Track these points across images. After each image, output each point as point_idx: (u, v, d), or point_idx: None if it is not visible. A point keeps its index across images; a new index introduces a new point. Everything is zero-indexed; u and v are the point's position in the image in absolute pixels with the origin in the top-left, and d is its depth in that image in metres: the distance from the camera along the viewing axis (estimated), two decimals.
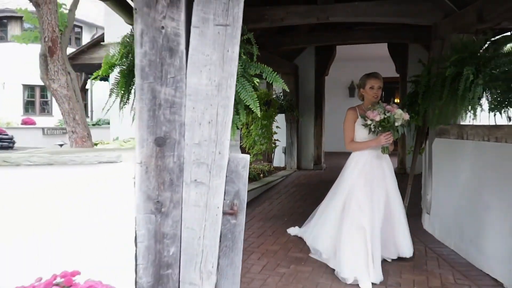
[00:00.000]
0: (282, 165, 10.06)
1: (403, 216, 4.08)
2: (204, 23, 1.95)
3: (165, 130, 1.95)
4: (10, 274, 1.73)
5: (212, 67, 1.96)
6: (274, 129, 9.05)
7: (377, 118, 3.76)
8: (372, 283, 3.57)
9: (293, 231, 5.07)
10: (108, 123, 14.47)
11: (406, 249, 4.10)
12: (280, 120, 9.34)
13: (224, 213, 2.04)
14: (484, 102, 4.34)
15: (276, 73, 2.65)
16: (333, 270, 3.88)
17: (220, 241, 2.04)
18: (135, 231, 1.98)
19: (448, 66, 4.54)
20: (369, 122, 3.81)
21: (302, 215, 5.61)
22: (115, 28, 9.13)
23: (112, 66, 2.63)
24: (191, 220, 1.99)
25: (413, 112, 5.40)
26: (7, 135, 10.53)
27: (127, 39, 2.56)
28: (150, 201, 1.97)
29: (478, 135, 4.15)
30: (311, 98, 9.60)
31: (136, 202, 1.97)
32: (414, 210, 5.83)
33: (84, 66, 13.36)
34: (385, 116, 3.74)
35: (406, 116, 3.82)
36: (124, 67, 2.55)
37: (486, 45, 4.60)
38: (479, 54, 4.41)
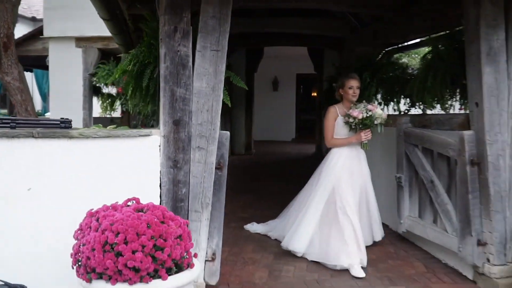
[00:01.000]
0: None
1: (376, 204, 4.51)
2: (204, 49, 3.14)
3: (179, 115, 3.12)
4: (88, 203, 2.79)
5: (209, 76, 3.16)
6: None
7: (360, 116, 3.99)
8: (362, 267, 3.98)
9: (252, 227, 5.13)
10: (43, 114, 14.73)
11: (379, 233, 4.57)
12: None
13: (215, 168, 3.26)
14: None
15: (238, 77, 3.88)
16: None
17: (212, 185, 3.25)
18: (160, 179, 3.13)
19: (354, 71, 6.04)
20: (351, 119, 4.07)
21: (240, 189, 6.93)
22: (55, 22, 9.76)
23: (125, 71, 3.68)
24: (195, 171, 3.18)
25: (329, 104, 6.90)
26: None
27: (138, 51, 3.61)
28: (170, 160, 3.13)
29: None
30: (242, 93, 10.90)
31: (161, 161, 3.12)
32: None
33: (19, 58, 13.43)
34: (367, 115, 4.00)
35: (385, 115, 4.10)
36: (133, 72, 3.61)
37: (380, 56, 6.20)
38: (374, 62, 5.96)
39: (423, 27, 5.26)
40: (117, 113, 10.60)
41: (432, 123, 4.42)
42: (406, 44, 6.27)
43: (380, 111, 4.06)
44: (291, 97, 15.52)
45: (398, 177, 4.66)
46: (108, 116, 10.22)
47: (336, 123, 4.22)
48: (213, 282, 3.34)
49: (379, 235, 4.58)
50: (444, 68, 4.16)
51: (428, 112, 4.95)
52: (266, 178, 8.53)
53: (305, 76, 14.51)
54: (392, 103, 5.67)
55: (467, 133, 3.67)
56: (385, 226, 5.27)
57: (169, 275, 2.42)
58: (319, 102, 10.76)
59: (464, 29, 3.75)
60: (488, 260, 3.66)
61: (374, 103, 5.49)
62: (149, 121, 4.82)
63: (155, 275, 2.38)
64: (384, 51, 6.44)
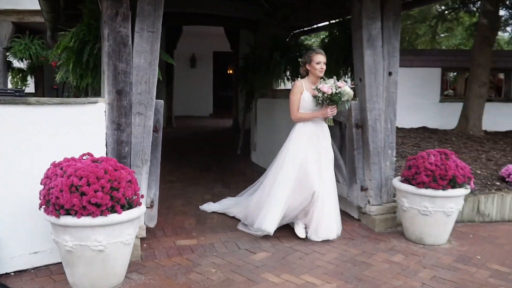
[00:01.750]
0: None
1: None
2: (142, 31, 3.74)
3: (121, 86, 3.70)
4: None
5: (146, 53, 3.77)
6: None
7: (329, 92, 4.00)
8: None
9: (208, 207, 5.09)
10: None
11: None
12: None
13: (152, 130, 3.90)
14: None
15: (168, 54, 4.50)
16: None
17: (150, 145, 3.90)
18: (106, 140, 3.71)
19: (265, 50, 6.87)
20: (319, 94, 4.07)
21: (165, 158, 7.53)
22: None
23: (66, 48, 4.12)
24: (136, 133, 3.80)
25: (244, 81, 7.71)
26: None
27: (79, 29, 4.07)
28: (114, 123, 3.72)
29: (283, 95, 6.60)
30: (162, 69, 11.29)
31: (106, 124, 3.70)
32: (245, 152, 8.24)
33: None
34: (336, 91, 4.01)
35: (351, 93, 4.13)
36: (74, 48, 4.07)
37: (289, 37, 7.09)
38: (284, 43, 6.83)
39: (324, 14, 6.21)
40: (29, 88, 10.49)
41: None
42: (310, 28, 7.21)
43: (348, 88, 4.07)
44: (208, 74, 16.13)
45: None
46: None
47: (302, 97, 4.21)
48: (152, 225, 4.02)
49: None
50: (338, 50, 5.13)
51: None
52: (188, 148, 9.19)
53: (221, 54, 15.15)
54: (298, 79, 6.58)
55: (353, 102, 4.65)
56: None
57: (123, 210, 3.08)
58: (235, 79, 11.51)
59: (351, 19, 4.70)
60: (369, 202, 4.73)
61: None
62: (80, 93, 5.22)
63: (112, 210, 3.02)
64: (292, 33, 7.35)
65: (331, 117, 4.24)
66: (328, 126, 4.35)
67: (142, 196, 3.37)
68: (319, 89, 4.06)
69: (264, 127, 7.40)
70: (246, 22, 8.31)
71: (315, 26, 7.15)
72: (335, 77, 4.21)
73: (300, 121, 4.26)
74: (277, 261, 3.79)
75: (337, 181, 5.07)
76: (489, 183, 5.57)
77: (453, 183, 4.07)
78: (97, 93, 4.48)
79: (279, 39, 6.86)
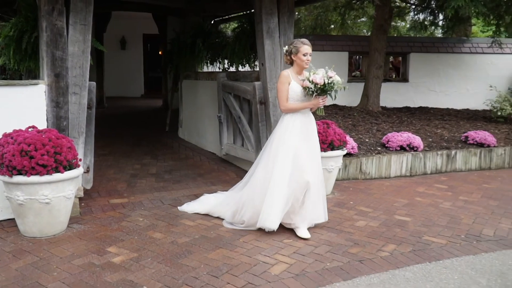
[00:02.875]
0: None
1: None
2: (75, 23, 4.47)
3: (59, 70, 4.43)
4: None
5: (79, 43, 4.51)
6: None
7: (322, 82, 3.96)
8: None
9: (188, 208, 4.77)
10: None
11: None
12: None
13: (87, 108, 4.67)
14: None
15: (99, 42, 5.23)
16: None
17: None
18: (46, 115, 4.44)
19: (189, 36, 7.68)
20: (311, 85, 4.01)
21: (97, 135, 8.20)
22: None
23: (7, 36, 4.72)
24: (73, 110, 4.55)
25: (171, 64, 8.49)
26: None
27: (17, 20, 4.68)
28: (53, 102, 4.45)
29: (204, 77, 7.49)
30: (92, 51, 11.71)
31: (46, 102, 4.42)
32: (173, 128, 9.08)
33: None
34: (328, 82, 3.99)
35: (341, 81, 4.10)
36: (13, 37, 4.69)
37: (211, 24, 7.92)
38: (205, 30, 7.67)
39: (238, 5, 7.13)
40: None
41: (241, 77, 6.37)
42: (228, 17, 8.11)
43: (338, 78, 4.06)
44: (139, 56, 16.58)
45: (219, 116, 6.56)
46: None
47: (289, 87, 4.13)
48: (88, 187, 4.81)
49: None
50: (246, 38, 6.08)
51: (241, 69, 6.89)
52: (119, 126, 9.87)
53: (151, 36, 15.62)
54: (217, 63, 7.50)
55: (257, 83, 5.65)
56: (212, 153, 7.23)
57: (65, 170, 3.88)
58: (163, 61, 12.17)
59: (254, 14, 5.66)
60: None
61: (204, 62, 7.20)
62: (16, 76, 5.77)
63: (56, 170, 3.81)
64: (213, 21, 8.21)
65: (322, 107, 4.22)
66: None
67: (80, 160, 4.17)
68: (312, 80, 3.99)
69: (188, 106, 8.26)
70: (172, 10, 9.04)
71: (233, 15, 8.05)
72: (326, 67, 4.09)
73: (290, 111, 4.16)
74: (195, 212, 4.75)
75: (247, 148, 6.10)
76: (372, 148, 6.85)
77: (332, 146, 5.21)
78: (32, 76, 5.12)
79: (201, 26, 7.69)
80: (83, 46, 4.54)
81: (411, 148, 6.83)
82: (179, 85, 8.71)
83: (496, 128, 8.82)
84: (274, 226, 4.07)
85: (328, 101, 4.33)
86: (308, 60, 4.14)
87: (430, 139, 7.68)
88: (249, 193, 4.29)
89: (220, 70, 7.35)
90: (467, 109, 11.47)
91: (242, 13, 6.93)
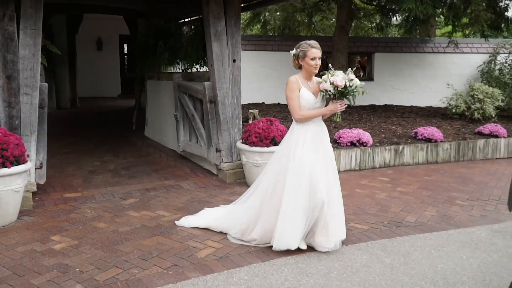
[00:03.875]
0: None
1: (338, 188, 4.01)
2: (26, 28, 4.77)
3: (10, 72, 4.73)
4: None
5: (30, 46, 4.81)
6: None
7: (343, 84, 3.66)
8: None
9: (187, 222, 4.43)
10: None
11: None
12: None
13: (39, 107, 4.97)
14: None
15: (53, 45, 5.53)
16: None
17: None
18: None
19: (151, 38, 7.99)
20: (330, 88, 3.70)
21: (65, 134, 8.48)
22: None
23: None
24: (25, 110, 4.85)
25: (136, 64, 8.78)
26: None
27: None
28: (6, 102, 4.74)
29: (165, 77, 7.81)
30: (65, 53, 12.00)
31: (0, 102, 4.72)
32: (140, 127, 9.38)
33: None
34: (349, 84, 3.71)
35: (362, 84, 3.82)
36: None
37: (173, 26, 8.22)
38: (166, 32, 7.98)
39: (195, 10, 7.45)
40: None
41: (196, 77, 6.71)
42: (189, 19, 8.43)
43: (358, 81, 3.78)
44: (115, 56, 16.83)
45: (175, 114, 6.89)
46: None
47: (300, 94, 3.78)
48: (42, 182, 5.12)
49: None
50: (198, 40, 6.41)
51: (199, 69, 7.22)
52: (88, 126, 10.16)
53: (127, 37, 15.85)
54: (177, 64, 7.81)
55: (206, 83, 5.99)
56: (173, 151, 7.56)
57: (12, 166, 4.18)
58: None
59: (203, 18, 5.99)
60: (222, 160, 6.12)
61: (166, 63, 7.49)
62: None
63: (3, 165, 4.12)
64: (175, 23, 8.52)
65: (339, 112, 3.84)
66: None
67: (28, 156, 4.48)
68: (332, 82, 3.66)
69: (152, 105, 8.58)
70: (141, 13, 9.34)
71: (192, 18, 8.38)
72: (349, 69, 3.79)
73: (305, 120, 3.79)
74: (142, 204, 5.07)
75: (200, 145, 6.44)
76: None
77: (274, 142, 5.57)
78: None
79: (162, 28, 8.00)
80: (33, 50, 4.84)
81: (361, 143, 7.21)
82: (145, 85, 9.01)
83: (450, 124, 9.26)
84: (293, 248, 3.79)
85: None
86: (317, 64, 3.74)
87: (383, 135, 8.08)
88: (256, 211, 3.97)
89: (180, 71, 7.68)
90: (430, 107, 11.92)
91: (198, 17, 7.26)
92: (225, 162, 6.09)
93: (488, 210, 5.16)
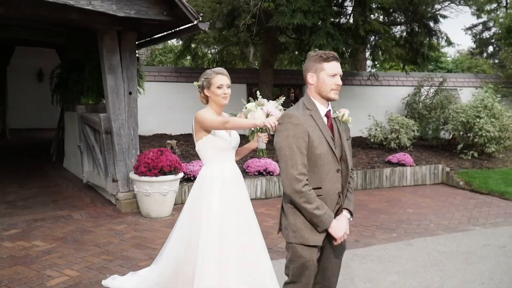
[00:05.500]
0: None
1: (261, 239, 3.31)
2: None
3: None
4: None
5: None
6: None
7: (277, 114, 3.06)
8: None
9: (114, 283, 3.81)
10: None
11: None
12: None
13: None
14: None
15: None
16: None
17: None
18: None
19: (65, 71, 8.07)
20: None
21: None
22: None
23: None
24: None
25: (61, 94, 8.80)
26: None
27: None
28: None
29: (81, 109, 7.88)
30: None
31: None
32: (60, 158, 9.36)
33: None
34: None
35: None
36: None
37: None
38: (81, 64, 8.09)
39: (93, 47, 7.59)
40: None
41: (99, 109, 6.83)
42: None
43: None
44: None
45: (79, 145, 6.96)
46: None
47: (211, 133, 3.17)
48: None
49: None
50: (99, 72, 6.57)
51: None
52: (11, 157, 10.04)
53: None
54: (91, 95, 7.91)
55: (102, 115, 6.12)
56: (78, 179, 7.57)
57: None
58: None
59: (98, 52, 6.17)
60: (119, 190, 6.19)
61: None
62: None
63: None
64: (83, 56, 8.63)
65: (264, 146, 3.18)
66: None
67: None
68: (268, 112, 3.07)
69: (69, 136, 8.61)
70: (61, 45, 9.46)
71: None
72: (278, 98, 3.27)
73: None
74: (22, 234, 5.07)
75: (100, 175, 6.50)
76: None
77: (163, 172, 5.70)
78: None
79: (77, 61, 8.12)
80: None
81: (267, 172, 7.42)
82: (63, 117, 9.05)
83: (366, 153, 9.62)
84: None
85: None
86: (225, 94, 3.17)
87: None
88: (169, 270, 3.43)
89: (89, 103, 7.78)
90: (360, 137, 12.35)
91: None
92: (122, 192, 6.16)
93: (365, 235, 5.39)
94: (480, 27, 24.92)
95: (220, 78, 3.18)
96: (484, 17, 24.02)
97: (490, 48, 25.73)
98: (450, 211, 6.61)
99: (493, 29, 24.55)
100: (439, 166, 8.83)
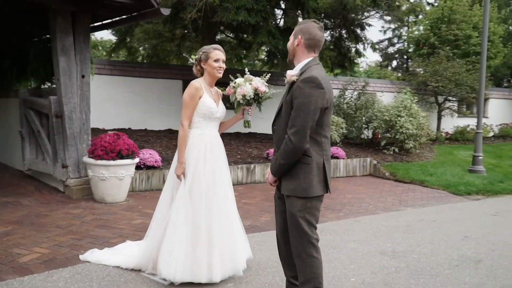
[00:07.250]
0: None
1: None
2: None
3: None
4: None
5: None
6: None
7: (265, 89, 3.41)
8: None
9: (92, 256, 3.80)
10: None
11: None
12: None
13: None
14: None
15: None
16: None
17: None
18: None
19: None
20: (250, 92, 3.39)
21: None
22: None
23: None
24: None
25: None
26: None
27: None
28: None
29: (13, 95, 7.48)
30: None
31: None
32: None
33: None
34: (267, 90, 3.45)
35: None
36: None
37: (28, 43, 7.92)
38: (17, 50, 7.67)
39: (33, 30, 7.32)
40: None
41: (44, 93, 6.56)
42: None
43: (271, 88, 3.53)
44: None
45: (20, 131, 6.63)
46: None
47: (201, 101, 3.43)
48: None
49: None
50: (47, 56, 6.34)
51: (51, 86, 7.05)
52: None
53: None
54: (28, 81, 7.54)
55: (53, 98, 5.92)
56: (18, 170, 7.20)
57: None
58: None
59: (50, 33, 5.98)
60: (69, 176, 6.02)
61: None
62: None
63: None
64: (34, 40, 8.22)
65: (250, 119, 3.55)
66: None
67: None
68: (256, 87, 3.37)
69: (1, 124, 8.11)
70: None
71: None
72: (263, 75, 3.53)
73: (183, 135, 3.43)
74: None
75: (46, 162, 6.26)
76: None
77: (121, 155, 5.67)
78: None
79: (11, 46, 7.69)
80: None
81: None
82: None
83: None
84: (171, 278, 3.35)
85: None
86: (220, 67, 3.48)
87: (239, 156, 8.59)
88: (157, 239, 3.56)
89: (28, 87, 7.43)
90: None
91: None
92: (72, 178, 6.00)
93: None
94: (386, 42, 27.69)
95: (217, 53, 3.48)
96: (389, 34, 26.66)
97: (394, 63, 28.54)
98: (383, 196, 7.29)
99: (397, 45, 27.33)
100: (368, 159, 9.61)
